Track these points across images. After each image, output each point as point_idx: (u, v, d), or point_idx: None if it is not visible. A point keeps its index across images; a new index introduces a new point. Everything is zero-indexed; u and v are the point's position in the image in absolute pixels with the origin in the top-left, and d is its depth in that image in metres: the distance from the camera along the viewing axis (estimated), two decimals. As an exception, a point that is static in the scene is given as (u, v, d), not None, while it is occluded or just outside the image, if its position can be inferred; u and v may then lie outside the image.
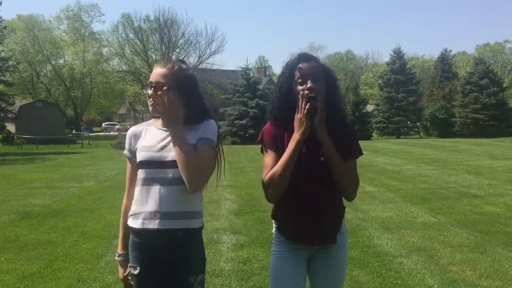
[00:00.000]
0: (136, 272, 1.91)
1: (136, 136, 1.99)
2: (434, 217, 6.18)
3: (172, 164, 1.85)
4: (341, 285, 2.08)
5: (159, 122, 2.00)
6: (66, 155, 21.19)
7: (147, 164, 1.90)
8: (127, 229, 1.96)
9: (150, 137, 1.95)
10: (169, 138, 1.91)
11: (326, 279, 2.04)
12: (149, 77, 1.94)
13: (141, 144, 1.95)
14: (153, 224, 1.87)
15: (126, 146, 2.02)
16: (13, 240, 5.35)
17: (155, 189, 1.87)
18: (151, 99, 1.91)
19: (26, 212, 6.99)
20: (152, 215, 1.87)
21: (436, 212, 6.51)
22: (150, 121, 2.05)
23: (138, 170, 1.94)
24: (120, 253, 2.02)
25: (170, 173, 1.86)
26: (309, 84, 1.86)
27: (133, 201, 1.95)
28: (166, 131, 1.93)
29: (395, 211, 6.65)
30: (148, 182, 1.89)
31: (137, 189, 1.93)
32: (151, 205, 1.88)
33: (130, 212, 1.96)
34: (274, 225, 2.07)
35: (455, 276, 3.90)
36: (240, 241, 5.10)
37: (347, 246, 2.09)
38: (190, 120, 1.94)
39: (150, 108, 1.95)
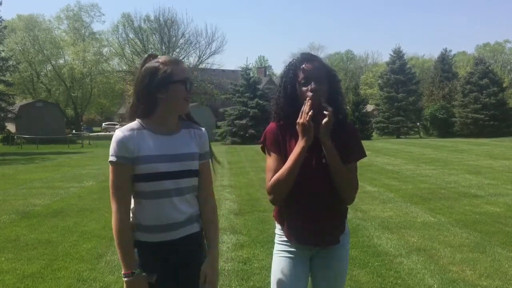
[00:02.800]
0: (153, 279, 1.82)
1: (133, 143, 1.79)
2: (434, 217, 6.18)
3: (183, 174, 1.85)
4: (342, 285, 2.09)
5: (150, 124, 1.85)
6: (66, 155, 21.18)
7: (157, 176, 1.79)
8: (132, 244, 1.82)
9: (151, 146, 1.81)
10: (174, 143, 1.86)
11: (327, 278, 2.04)
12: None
13: (143, 154, 1.79)
14: (171, 236, 1.84)
15: (118, 151, 1.78)
16: (13, 240, 5.35)
17: (168, 201, 1.82)
18: (188, 94, 1.86)
19: (26, 212, 6.99)
20: (168, 228, 1.84)
21: (436, 212, 6.51)
22: (134, 124, 1.85)
23: (146, 182, 1.79)
24: (136, 270, 1.78)
25: (181, 183, 1.85)
26: (312, 85, 1.87)
27: (138, 214, 1.83)
28: (163, 135, 1.85)
29: (395, 211, 6.65)
30: (159, 194, 1.81)
31: (144, 203, 1.82)
32: (166, 218, 1.83)
33: (136, 224, 1.84)
34: (276, 225, 2.08)
35: (455, 276, 3.90)
36: (240, 241, 5.11)
37: (348, 246, 2.10)
38: (186, 125, 1.96)
39: (186, 102, 1.86)
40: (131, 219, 1.84)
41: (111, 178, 1.80)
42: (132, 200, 1.85)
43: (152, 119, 1.86)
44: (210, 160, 1.99)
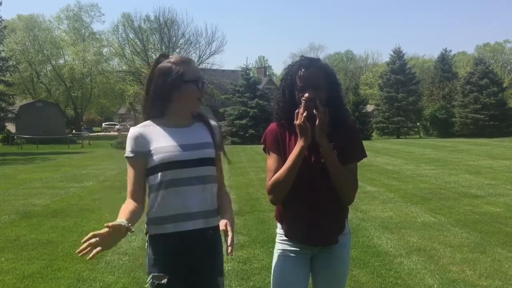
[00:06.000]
0: (164, 281, 1.81)
1: (146, 137, 1.85)
2: (434, 217, 6.18)
3: (200, 162, 1.86)
4: (343, 285, 2.09)
5: (164, 120, 1.90)
6: (66, 155, 21.18)
7: (173, 164, 1.81)
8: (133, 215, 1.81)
9: (165, 137, 1.86)
10: (186, 135, 1.89)
11: (328, 278, 2.04)
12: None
13: (157, 145, 1.83)
14: (186, 226, 1.83)
15: (132, 147, 1.85)
16: (13, 240, 5.35)
17: (184, 190, 1.83)
18: (201, 95, 1.89)
19: (26, 212, 6.99)
20: (184, 217, 1.83)
21: (436, 212, 6.51)
22: (146, 122, 1.91)
23: (160, 172, 1.82)
24: (127, 222, 1.70)
25: (197, 172, 1.85)
26: (306, 94, 1.89)
27: (154, 206, 1.85)
28: (176, 128, 1.89)
29: (395, 211, 6.65)
30: (175, 183, 1.82)
31: (161, 193, 1.83)
32: (182, 207, 1.83)
33: (152, 218, 1.85)
34: (277, 224, 2.09)
35: (455, 276, 3.90)
36: (240, 241, 5.10)
37: (349, 246, 2.10)
38: (199, 119, 1.98)
39: (197, 105, 1.89)
40: (149, 214, 1.87)
41: (128, 172, 1.88)
42: (150, 195, 1.88)
43: (164, 118, 1.90)
44: (222, 153, 2.02)
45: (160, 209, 1.84)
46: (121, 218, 1.72)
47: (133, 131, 1.88)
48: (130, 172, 1.87)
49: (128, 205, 1.81)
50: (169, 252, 1.83)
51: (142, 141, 1.84)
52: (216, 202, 1.94)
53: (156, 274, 1.82)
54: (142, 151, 1.84)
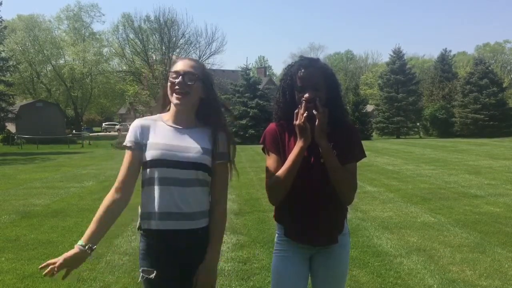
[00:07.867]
0: (152, 276, 1.83)
1: (145, 130, 1.89)
2: (434, 217, 6.19)
3: (190, 165, 1.85)
4: (342, 285, 2.09)
5: (167, 116, 1.94)
6: (67, 155, 21.17)
7: (165, 163, 1.83)
8: (103, 224, 1.90)
9: (162, 134, 1.88)
10: (183, 135, 1.89)
11: (326, 278, 2.04)
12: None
13: (153, 140, 1.87)
14: (173, 225, 1.83)
15: (131, 137, 1.89)
16: (13, 240, 5.36)
17: (174, 189, 1.83)
18: (177, 87, 1.86)
19: (26, 212, 6.99)
20: (172, 216, 1.83)
21: (436, 212, 6.52)
22: (155, 116, 1.98)
23: (149, 169, 1.85)
24: (84, 244, 1.81)
25: (187, 174, 1.84)
26: (306, 95, 1.89)
27: (143, 201, 1.88)
28: (176, 127, 1.90)
29: (395, 211, 6.65)
30: (164, 181, 1.83)
31: (150, 189, 1.85)
32: (169, 206, 1.83)
33: (142, 213, 1.89)
34: (276, 224, 2.09)
35: (455, 276, 3.90)
36: (240, 241, 5.11)
37: (349, 247, 2.10)
38: (204, 120, 1.96)
39: (174, 96, 1.87)
40: (141, 208, 1.90)
41: (123, 161, 1.92)
42: (142, 189, 1.91)
43: (168, 115, 1.95)
44: (228, 163, 1.94)
45: (147, 204, 1.87)
46: (81, 241, 1.83)
47: (136, 122, 1.94)
48: (125, 161, 1.90)
49: (106, 205, 1.86)
50: (157, 249, 1.86)
51: (141, 133, 1.89)
52: (205, 204, 1.91)
53: (145, 268, 1.85)
54: (140, 143, 1.88)
